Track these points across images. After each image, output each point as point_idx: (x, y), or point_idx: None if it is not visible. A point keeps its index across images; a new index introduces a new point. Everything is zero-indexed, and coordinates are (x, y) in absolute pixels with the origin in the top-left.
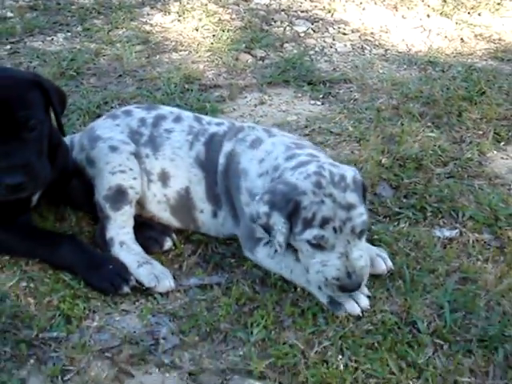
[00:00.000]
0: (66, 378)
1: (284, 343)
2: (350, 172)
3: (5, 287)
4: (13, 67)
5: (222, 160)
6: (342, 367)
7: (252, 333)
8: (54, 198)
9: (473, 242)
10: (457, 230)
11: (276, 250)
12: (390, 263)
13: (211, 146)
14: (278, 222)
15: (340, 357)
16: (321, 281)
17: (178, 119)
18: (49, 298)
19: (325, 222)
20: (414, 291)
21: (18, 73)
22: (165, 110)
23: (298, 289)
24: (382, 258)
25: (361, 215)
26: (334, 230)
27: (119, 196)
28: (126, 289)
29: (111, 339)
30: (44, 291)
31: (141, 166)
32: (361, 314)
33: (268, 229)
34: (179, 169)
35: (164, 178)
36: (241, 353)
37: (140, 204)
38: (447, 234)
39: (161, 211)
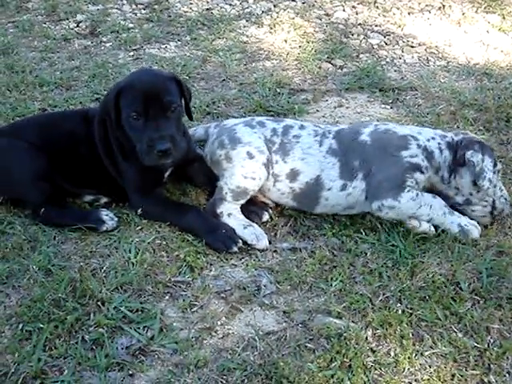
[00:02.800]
0: (192, 310)
1: (356, 293)
2: None
3: (144, 243)
4: (155, 68)
5: (366, 138)
6: (400, 312)
7: (331, 285)
8: (178, 177)
9: (510, 224)
10: None
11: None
12: (433, 229)
13: (343, 135)
14: (488, 162)
15: (399, 304)
16: (504, 202)
17: (302, 127)
18: (177, 253)
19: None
20: (459, 259)
21: (161, 71)
22: (290, 121)
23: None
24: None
25: None
26: None
27: (242, 194)
28: (235, 248)
29: (225, 284)
30: (173, 247)
31: (269, 170)
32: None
33: (480, 172)
34: (309, 164)
35: (293, 175)
36: (322, 299)
37: (260, 192)
38: None
39: (282, 199)
